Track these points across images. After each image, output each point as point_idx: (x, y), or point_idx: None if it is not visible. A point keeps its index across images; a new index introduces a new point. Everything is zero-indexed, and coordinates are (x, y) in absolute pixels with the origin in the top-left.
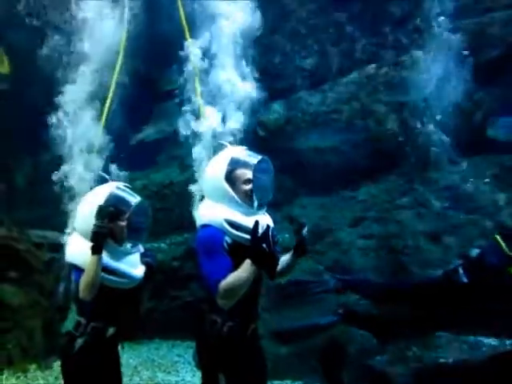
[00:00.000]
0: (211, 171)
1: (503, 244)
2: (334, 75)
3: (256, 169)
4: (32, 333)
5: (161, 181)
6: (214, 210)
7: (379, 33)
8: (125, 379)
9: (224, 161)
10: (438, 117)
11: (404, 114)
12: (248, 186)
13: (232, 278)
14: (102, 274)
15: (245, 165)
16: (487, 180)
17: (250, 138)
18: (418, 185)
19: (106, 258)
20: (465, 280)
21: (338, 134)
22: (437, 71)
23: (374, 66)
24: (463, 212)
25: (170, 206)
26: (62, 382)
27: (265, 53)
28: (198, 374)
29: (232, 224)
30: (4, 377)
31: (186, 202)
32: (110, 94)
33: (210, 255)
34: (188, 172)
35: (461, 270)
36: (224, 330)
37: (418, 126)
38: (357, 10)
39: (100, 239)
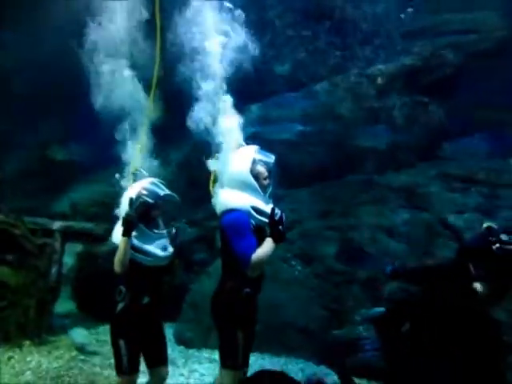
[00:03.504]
0: (237, 166)
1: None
2: (307, 82)
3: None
4: (27, 311)
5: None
6: (239, 197)
7: (348, 46)
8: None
9: (248, 158)
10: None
11: (368, 121)
12: (267, 181)
13: (260, 252)
14: (133, 252)
15: (264, 162)
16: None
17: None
18: (377, 184)
19: (136, 240)
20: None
21: (310, 137)
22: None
23: (342, 76)
24: (415, 209)
25: None
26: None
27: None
28: (178, 348)
29: (256, 210)
30: (1, 350)
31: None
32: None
33: (242, 234)
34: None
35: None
36: (242, 294)
37: (381, 131)
38: (329, 25)
39: (128, 224)
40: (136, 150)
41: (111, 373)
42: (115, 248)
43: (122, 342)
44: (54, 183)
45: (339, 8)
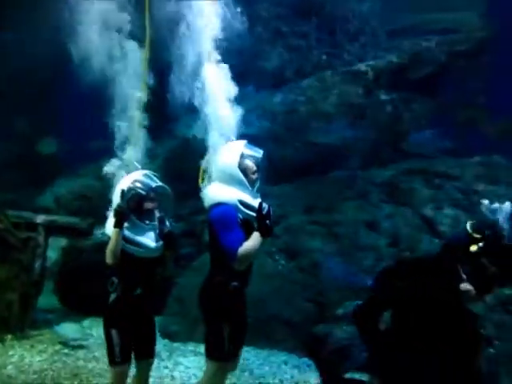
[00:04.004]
0: (226, 160)
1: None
2: (293, 78)
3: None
4: (10, 305)
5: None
6: (227, 191)
7: (336, 43)
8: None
9: (236, 153)
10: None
11: (352, 117)
12: (255, 176)
13: (247, 246)
14: (124, 243)
15: (252, 157)
16: None
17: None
18: (360, 180)
19: (128, 231)
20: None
21: (295, 132)
22: None
23: (328, 72)
24: (395, 204)
25: None
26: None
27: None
28: (163, 341)
29: (244, 204)
30: None
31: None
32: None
33: (229, 228)
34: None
35: None
36: (230, 288)
37: (365, 127)
38: (316, 23)
39: (120, 216)
40: (130, 141)
41: (95, 365)
42: (102, 241)
43: (114, 332)
44: (38, 177)
45: (327, 5)
